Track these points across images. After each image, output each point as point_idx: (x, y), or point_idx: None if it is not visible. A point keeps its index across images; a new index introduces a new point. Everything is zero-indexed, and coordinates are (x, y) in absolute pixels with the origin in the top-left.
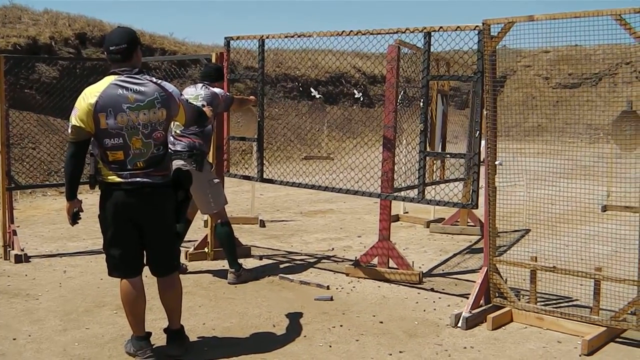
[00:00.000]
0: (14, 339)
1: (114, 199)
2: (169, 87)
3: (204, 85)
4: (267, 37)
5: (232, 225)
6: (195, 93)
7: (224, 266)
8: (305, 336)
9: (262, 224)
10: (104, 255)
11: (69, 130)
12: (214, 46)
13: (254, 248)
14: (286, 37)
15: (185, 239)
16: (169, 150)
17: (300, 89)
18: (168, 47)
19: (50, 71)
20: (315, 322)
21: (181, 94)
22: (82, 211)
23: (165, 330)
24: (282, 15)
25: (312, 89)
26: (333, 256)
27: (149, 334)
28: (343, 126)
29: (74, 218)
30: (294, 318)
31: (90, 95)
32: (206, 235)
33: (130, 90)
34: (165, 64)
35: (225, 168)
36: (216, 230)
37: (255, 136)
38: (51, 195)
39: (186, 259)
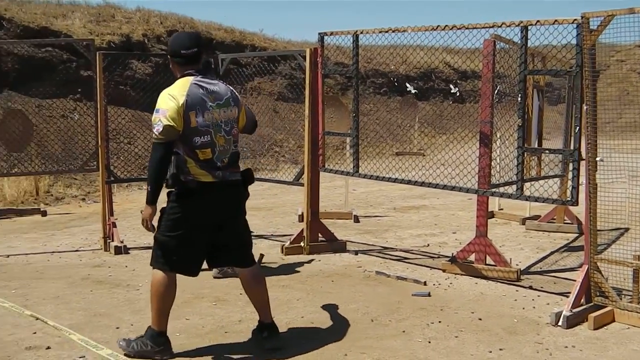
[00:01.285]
0: (117, 328)
1: (206, 197)
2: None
3: None
4: (361, 33)
5: (326, 220)
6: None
7: (319, 260)
8: (403, 331)
9: (356, 219)
10: None
11: (159, 131)
12: (303, 42)
13: (349, 243)
14: (380, 32)
15: (280, 234)
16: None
17: (396, 84)
18: (258, 43)
19: (144, 68)
20: (413, 317)
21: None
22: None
23: (261, 325)
24: (367, 10)
25: (407, 84)
26: (428, 252)
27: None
28: (434, 122)
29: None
30: (392, 313)
31: (178, 95)
32: (302, 230)
33: (208, 90)
34: (255, 60)
35: (321, 163)
36: None
37: (349, 131)
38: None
39: (282, 252)
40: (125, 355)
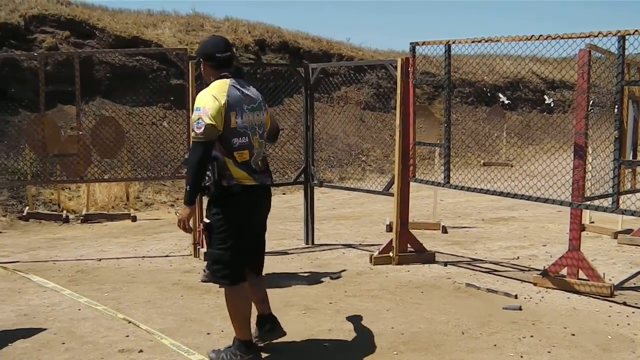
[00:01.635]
0: (208, 334)
1: (249, 200)
2: None
3: None
4: (454, 42)
5: (414, 230)
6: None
7: (408, 271)
8: (495, 345)
9: (444, 230)
10: (290, 256)
11: (200, 130)
12: (389, 51)
13: (438, 254)
14: (473, 42)
15: (368, 243)
16: None
17: (488, 94)
18: (345, 52)
19: None
20: (505, 331)
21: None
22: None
23: (264, 317)
24: (454, 17)
25: (499, 95)
26: (518, 265)
27: None
28: (521, 132)
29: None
30: (483, 326)
31: (219, 95)
32: (391, 240)
33: (244, 92)
34: (342, 69)
35: (411, 173)
36: None
37: (438, 141)
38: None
39: (371, 262)
40: None
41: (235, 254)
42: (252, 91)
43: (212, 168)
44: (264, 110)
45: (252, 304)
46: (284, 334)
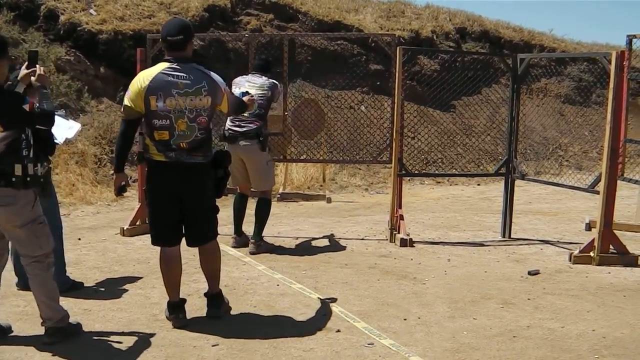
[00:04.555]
0: (405, 319)
1: (159, 174)
2: (216, 77)
3: (260, 76)
4: None
5: (616, 231)
6: (260, 82)
7: (609, 272)
8: None
9: None
10: (486, 248)
11: (122, 110)
12: (593, 44)
13: None
14: None
15: (567, 241)
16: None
17: None
18: (547, 43)
19: (430, 64)
20: None
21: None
22: (128, 185)
23: (206, 295)
24: None
25: None
26: None
27: (183, 300)
28: None
29: (120, 191)
30: None
31: (144, 79)
32: (593, 239)
33: (180, 77)
34: (544, 61)
35: (620, 172)
36: (258, 203)
37: None
38: (429, 184)
39: (570, 260)
40: None
41: (153, 218)
42: (194, 75)
43: (139, 141)
44: (205, 96)
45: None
46: (218, 316)
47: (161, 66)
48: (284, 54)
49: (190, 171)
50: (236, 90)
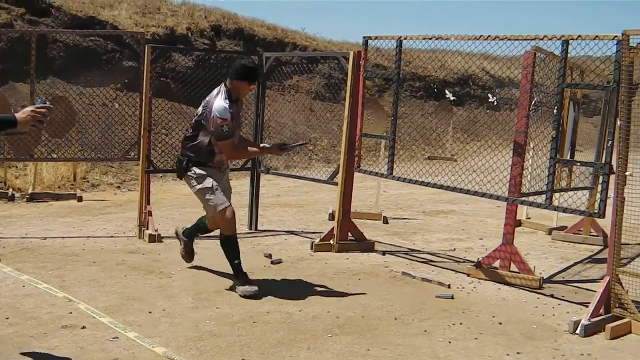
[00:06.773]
0: (150, 312)
1: None
2: None
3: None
4: (405, 38)
5: (355, 220)
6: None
7: (347, 258)
8: (425, 331)
9: (385, 220)
10: None
11: None
12: (343, 42)
13: (377, 244)
14: (424, 38)
15: (310, 231)
16: None
17: (435, 89)
18: (299, 42)
19: (185, 61)
20: (436, 318)
21: None
22: None
23: None
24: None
25: (446, 91)
26: (454, 256)
27: None
28: (467, 128)
29: None
30: (415, 313)
31: None
32: (332, 228)
33: None
34: (295, 59)
35: (356, 164)
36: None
37: (385, 134)
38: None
39: (312, 249)
40: None
41: None
42: None
43: None
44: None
45: None
46: None
47: None
48: (31, 50)
49: None
50: None
